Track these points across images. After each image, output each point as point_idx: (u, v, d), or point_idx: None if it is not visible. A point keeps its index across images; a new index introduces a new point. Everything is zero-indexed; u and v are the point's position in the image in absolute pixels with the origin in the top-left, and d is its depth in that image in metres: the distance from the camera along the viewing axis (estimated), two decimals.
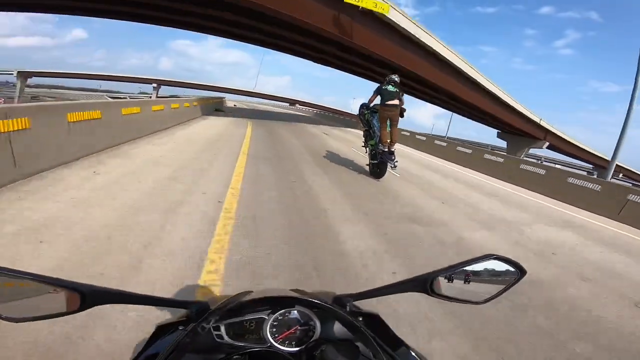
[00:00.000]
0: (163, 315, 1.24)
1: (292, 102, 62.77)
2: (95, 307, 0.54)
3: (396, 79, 6.28)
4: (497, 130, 28.29)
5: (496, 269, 0.63)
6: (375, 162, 6.44)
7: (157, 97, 40.42)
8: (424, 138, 15.03)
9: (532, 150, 26.83)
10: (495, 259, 0.62)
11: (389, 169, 6.38)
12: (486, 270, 0.63)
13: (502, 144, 28.51)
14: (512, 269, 0.63)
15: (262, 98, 65.44)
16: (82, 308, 0.52)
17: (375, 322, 0.69)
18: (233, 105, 29.94)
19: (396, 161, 6.24)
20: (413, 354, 0.64)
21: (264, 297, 0.64)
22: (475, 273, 0.63)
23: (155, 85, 63.36)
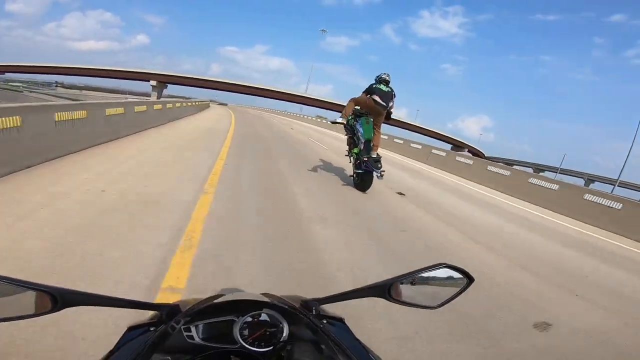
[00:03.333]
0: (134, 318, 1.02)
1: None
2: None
3: (388, 78, 6.08)
4: None
5: (447, 276, 0.71)
6: (360, 171, 6.02)
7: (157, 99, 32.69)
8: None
9: None
10: (446, 267, 0.69)
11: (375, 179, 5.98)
12: (439, 277, 0.70)
13: None
14: (461, 276, 0.70)
15: (313, 106, 52.31)
16: (53, 310, 0.56)
17: (338, 325, 0.75)
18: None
19: (383, 171, 5.85)
20: (373, 358, 0.69)
21: (234, 301, 0.70)
22: (429, 280, 0.71)
23: (154, 83, 44.60)
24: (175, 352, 0.62)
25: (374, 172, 5.79)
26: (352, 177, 6.40)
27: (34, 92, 46.04)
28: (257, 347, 0.63)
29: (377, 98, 5.92)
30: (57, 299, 0.55)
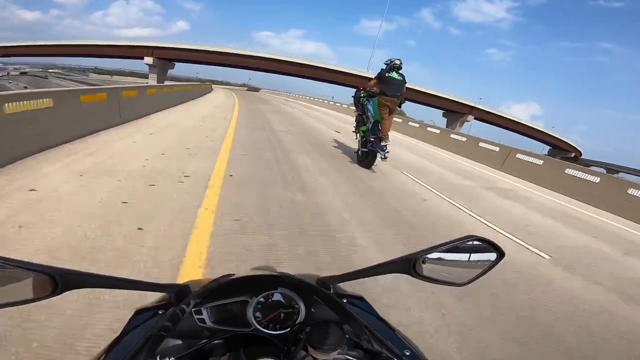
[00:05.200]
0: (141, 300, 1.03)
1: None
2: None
3: (400, 65, 6.11)
4: None
5: (476, 250, 0.65)
6: (365, 150, 6.41)
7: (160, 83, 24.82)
8: None
9: None
10: (475, 240, 0.64)
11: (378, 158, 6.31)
12: (466, 251, 0.65)
13: None
14: (491, 250, 0.65)
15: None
16: (53, 294, 0.52)
17: (359, 303, 0.72)
18: None
19: (387, 152, 6.14)
20: (398, 335, 0.66)
21: (246, 280, 0.67)
22: (456, 254, 0.65)
23: (149, 61, 33.35)
24: (187, 336, 0.60)
25: (379, 153, 6.12)
26: (356, 154, 6.79)
27: (62, 78, 47.62)
28: (271, 330, 0.61)
29: (391, 93, 6.04)
30: (58, 282, 0.50)
